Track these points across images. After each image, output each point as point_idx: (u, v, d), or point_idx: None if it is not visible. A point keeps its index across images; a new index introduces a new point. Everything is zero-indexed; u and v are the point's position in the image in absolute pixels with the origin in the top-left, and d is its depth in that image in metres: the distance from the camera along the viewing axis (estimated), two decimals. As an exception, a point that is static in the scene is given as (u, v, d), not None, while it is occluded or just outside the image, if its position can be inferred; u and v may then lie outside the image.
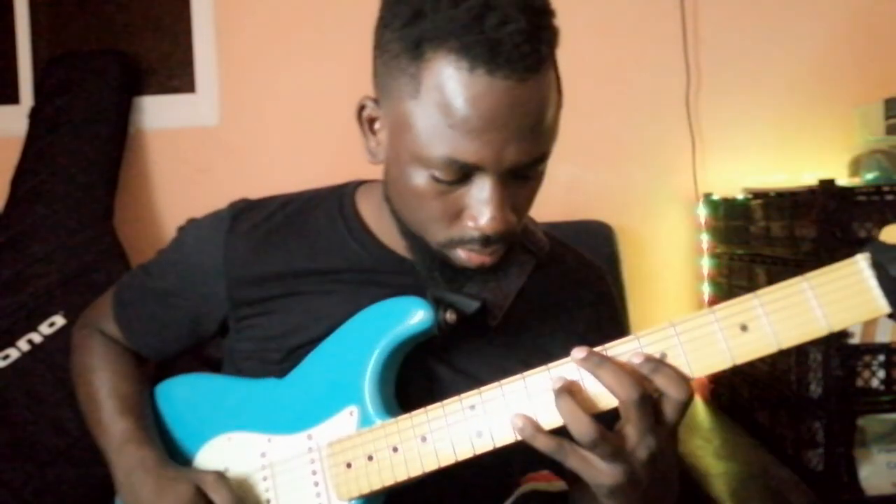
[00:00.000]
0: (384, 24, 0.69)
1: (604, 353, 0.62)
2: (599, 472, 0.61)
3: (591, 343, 0.78)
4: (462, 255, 0.72)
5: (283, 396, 0.81)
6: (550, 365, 0.64)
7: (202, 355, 0.98)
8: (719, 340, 0.59)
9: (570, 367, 0.63)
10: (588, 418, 0.59)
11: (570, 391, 0.61)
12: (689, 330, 0.60)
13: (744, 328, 0.58)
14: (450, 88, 0.64)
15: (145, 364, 0.96)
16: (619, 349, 0.62)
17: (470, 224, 0.69)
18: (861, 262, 0.55)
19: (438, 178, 0.67)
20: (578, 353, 0.62)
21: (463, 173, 0.67)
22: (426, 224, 0.72)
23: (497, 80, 0.63)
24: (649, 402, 0.59)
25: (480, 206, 0.68)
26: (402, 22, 0.66)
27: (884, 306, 0.54)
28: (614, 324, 0.89)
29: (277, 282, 0.83)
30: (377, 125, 0.74)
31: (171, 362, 0.97)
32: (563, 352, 0.79)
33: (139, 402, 0.90)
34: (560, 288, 0.87)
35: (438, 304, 0.75)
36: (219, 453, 0.83)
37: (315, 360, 0.80)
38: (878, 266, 0.54)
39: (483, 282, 0.79)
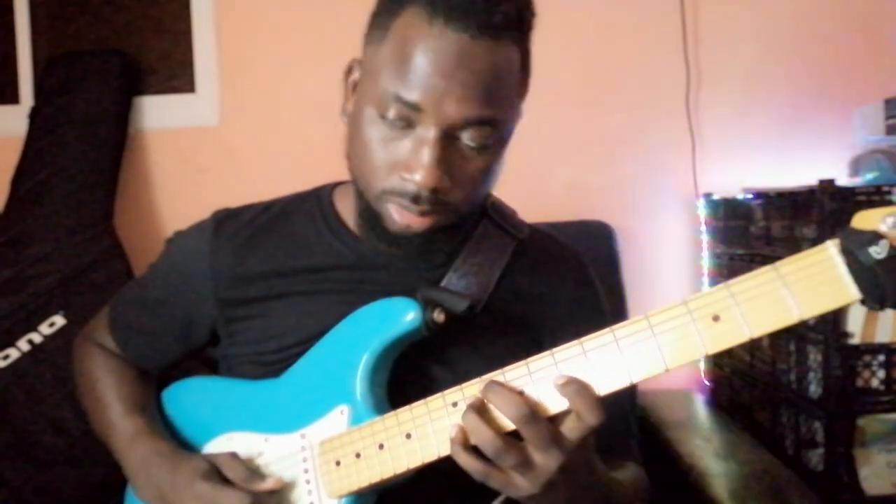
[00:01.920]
0: None
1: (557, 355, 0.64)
2: (518, 486, 0.64)
3: (573, 327, 0.80)
4: (393, 211, 0.74)
5: (278, 397, 0.82)
6: (529, 360, 0.65)
7: (201, 355, 0.99)
8: (692, 332, 0.59)
9: (548, 360, 0.64)
10: (489, 431, 0.62)
11: (477, 409, 0.64)
12: (663, 322, 0.60)
13: (716, 319, 0.59)
14: (409, 35, 0.70)
15: (147, 372, 0.98)
16: (596, 341, 0.63)
17: (405, 175, 0.72)
18: (831, 249, 0.55)
19: (386, 117, 0.71)
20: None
21: (407, 117, 0.71)
22: (369, 174, 0.75)
23: (450, 32, 0.68)
24: (540, 420, 0.62)
25: (416, 157, 0.71)
26: None
27: (854, 293, 0.54)
28: (595, 308, 0.92)
29: (263, 281, 0.86)
30: (358, 88, 0.79)
31: (171, 370, 0.99)
32: (549, 338, 0.82)
33: (146, 402, 0.92)
34: (542, 274, 0.89)
35: (427, 305, 0.76)
36: (220, 451, 0.83)
37: (308, 361, 0.82)
38: (847, 253, 0.53)
39: (464, 267, 0.82)
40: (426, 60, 0.69)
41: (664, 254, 1.75)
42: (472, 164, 0.74)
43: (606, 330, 0.63)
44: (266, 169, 1.79)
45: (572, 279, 0.91)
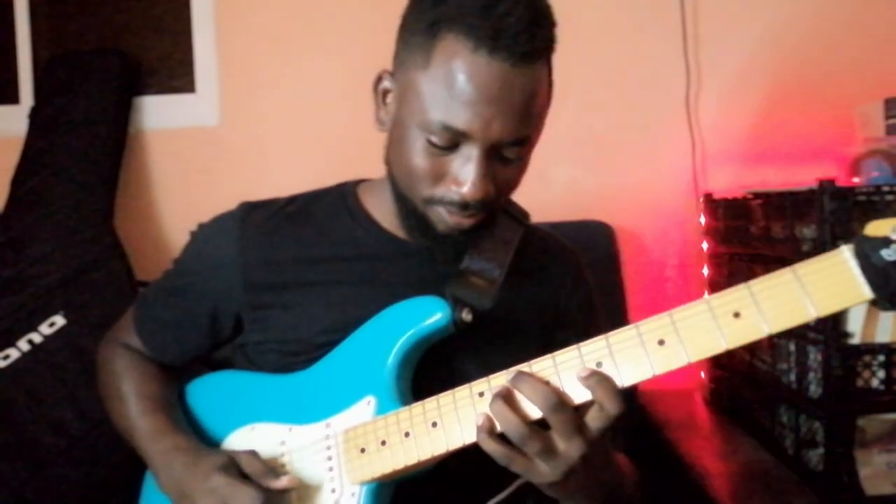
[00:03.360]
0: (412, 6, 0.80)
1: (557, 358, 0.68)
2: (541, 473, 0.68)
3: (571, 321, 0.93)
4: (442, 211, 0.80)
5: (304, 389, 0.85)
6: (555, 353, 0.68)
7: (204, 357, 0.99)
8: (714, 328, 0.62)
9: (574, 353, 0.67)
10: (516, 418, 0.66)
11: (504, 397, 0.67)
12: (685, 318, 0.64)
13: (736, 315, 0.62)
14: (454, 63, 0.73)
15: (170, 370, 0.99)
16: (621, 335, 0.66)
17: (453, 188, 0.77)
18: (845, 252, 0.58)
19: (433, 142, 0.76)
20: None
21: (454, 140, 0.75)
22: (415, 182, 0.79)
23: (495, 61, 0.72)
24: (567, 408, 0.66)
25: (464, 173, 0.76)
26: (426, 5, 0.77)
27: (867, 292, 0.57)
28: (590, 308, 0.98)
29: (291, 268, 0.88)
30: (389, 97, 0.83)
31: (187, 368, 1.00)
32: (556, 331, 0.90)
33: (167, 399, 0.94)
34: (546, 266, 0.95)
35: (456, 303, 0.80)
36: (242, 442, 0.87)
37: (337, 355, 0.85)
38: (861, 255, 0.57)
39: (480, 248, 0.87)
40: (472, 89, 0.73)
41: (664, 254, 1.75)
42: (510, 171, 0.80)
43: (631, 326, 0.66)
44: (266, 169, 1.79)
45: (570, 276, 0.97)
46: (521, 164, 0.81)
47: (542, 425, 0.67)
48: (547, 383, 0.66)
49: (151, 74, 1.85)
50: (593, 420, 0.66)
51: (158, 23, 1.86)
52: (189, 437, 0.87)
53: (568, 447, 0.66)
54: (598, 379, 0.65)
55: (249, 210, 0.93)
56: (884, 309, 0.57)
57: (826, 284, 0.59)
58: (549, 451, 0.66)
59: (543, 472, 0.67)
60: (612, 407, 0.65)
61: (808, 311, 0.59)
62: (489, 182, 0.77)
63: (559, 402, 0.65)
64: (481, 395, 0.70)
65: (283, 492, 0.78)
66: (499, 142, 0.75)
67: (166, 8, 1.85)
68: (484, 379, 0.71)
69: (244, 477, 0.78)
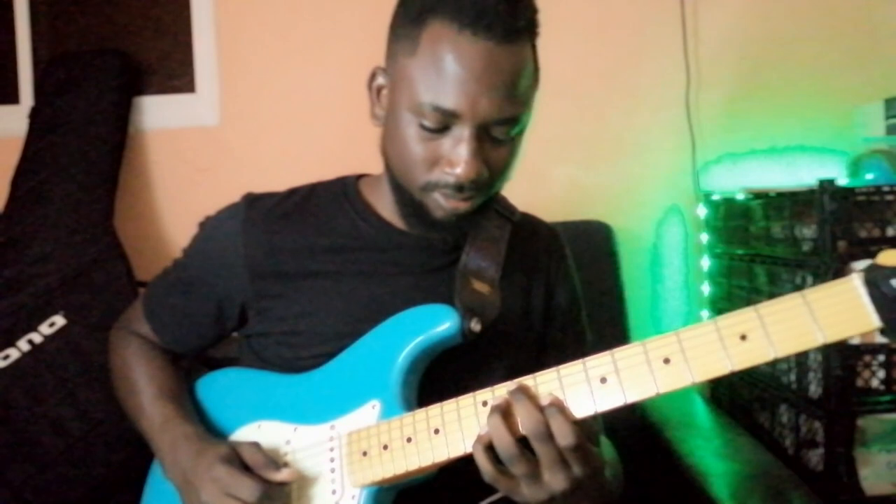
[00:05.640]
0: (400, 2, 0.83)
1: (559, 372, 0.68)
2: (522, 495, 0.68)
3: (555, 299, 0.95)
4: (439, 198, 0.81)
5: (311, 389, 0.86)
6: (560, 367, 0.68)
7: (202, 356, 0.99)
8: (719, 349, 0.62)
9: (579, 367, 0.67)
10: (509, 436, 0.65)
11: (502, 411, 0.67)
12: (692, 338, 0.63)
13: (743, 338, 0.61)
14: (440, 46, 0.76)
15: (180, 360, 1.00)
16: (626, 352, 0.66)
17: (447, 170, 0.79)
18: (855, 280, 0.58)
19: (425, 125, 0.78)
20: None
21: (444, 122, 0.77)
22: (410, 169, 0.81)
23: (479, 40, 0.75)
24: (549, 438, 0.65)
25: (456, 153, 0.78)
26: None
27: (875, 321, 0.57)
28: (574, 294, 1.01)
29: (295, 257, 0.90)
30: (384, 92, 0.85)
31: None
32: (550, 328, 0.93)
33: (178, 387, 0.95)
34: (537, 254, 0.98)
35: (466, 312, 0.81)
36: (248, 439, 0.86)
37: (345, 358, 0.85)
38: (871, 284, 0.57)
39: (479, 241, 0.90)
40: (458, 69, 0.75)
41: (664, 254, 1.75)
42: (502, 152, 0.81)
43: (637, 343, 0.65)
44: (266, 169, 1.79)
45: (559, 263, 1.00)
46: (512, 147, 0.82)
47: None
48: (542, 409, 0.66)
49: (151, 74, 1.85)
50: (574, 460, 0.67)
51: (158, 23, 1.86)
52: (196, 426, 0.88)
53: (551, 478, 0.66)
54: (556, 409, 0.65)
55: (253, 201, 0.94)
56: (892, 339, 0.56)
57: (835, 311, 0.59)
58: (533, 476, 0.66)
59: (525, 495, 0.68)
60: (562, 438, 0.65)
61: (816, 336, 0.59)
62: (481, 162, 0.78)
63: (547, 432, 0.65)
64: (485, 404, 0.70)
65: (283, 485, 0.78)
66: (487, 120, 0.77)
67: (166, 8, 1.85)
68: (488, 388, 0.71)
69: (246, 468, 0.78)
